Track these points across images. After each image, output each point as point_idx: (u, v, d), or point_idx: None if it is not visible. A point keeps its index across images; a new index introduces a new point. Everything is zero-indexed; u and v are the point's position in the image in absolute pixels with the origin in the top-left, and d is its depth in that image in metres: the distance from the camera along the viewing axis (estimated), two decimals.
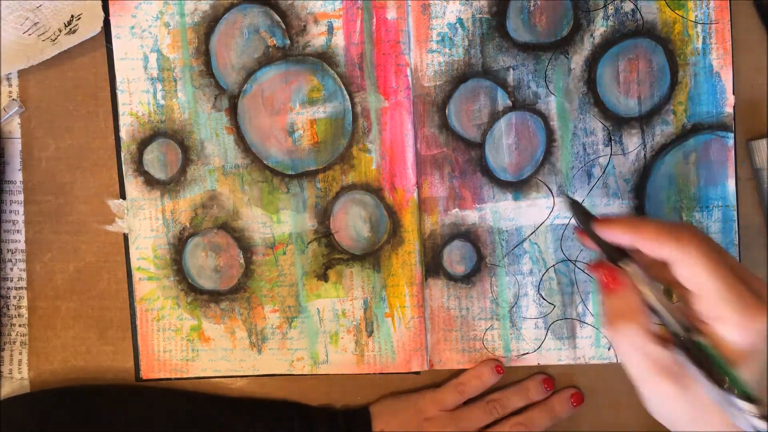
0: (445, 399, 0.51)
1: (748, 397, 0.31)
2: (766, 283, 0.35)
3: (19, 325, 0.54)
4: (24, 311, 0.54)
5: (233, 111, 0.52)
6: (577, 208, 0.39)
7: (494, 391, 0.52)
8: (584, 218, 0.38)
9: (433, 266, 0.52)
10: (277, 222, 0.52)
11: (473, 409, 0.51)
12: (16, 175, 0.54)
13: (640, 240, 0.35)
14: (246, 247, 0.53)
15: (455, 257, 0.52)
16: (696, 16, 0.51)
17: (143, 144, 0.53)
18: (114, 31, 0.52)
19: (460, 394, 0.51)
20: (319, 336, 0.53)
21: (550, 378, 0.52)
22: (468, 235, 0.52)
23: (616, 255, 0.36)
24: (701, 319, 0.34)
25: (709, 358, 0.32)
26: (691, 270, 0.34)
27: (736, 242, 0.51)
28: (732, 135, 0.51)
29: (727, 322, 0.33)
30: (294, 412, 0.52)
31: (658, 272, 0.36)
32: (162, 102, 0.52)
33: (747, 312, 0.32)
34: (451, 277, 0.52)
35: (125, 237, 0.53)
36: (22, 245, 0.54)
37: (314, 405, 0.53)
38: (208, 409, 0.52)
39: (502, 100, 0.51)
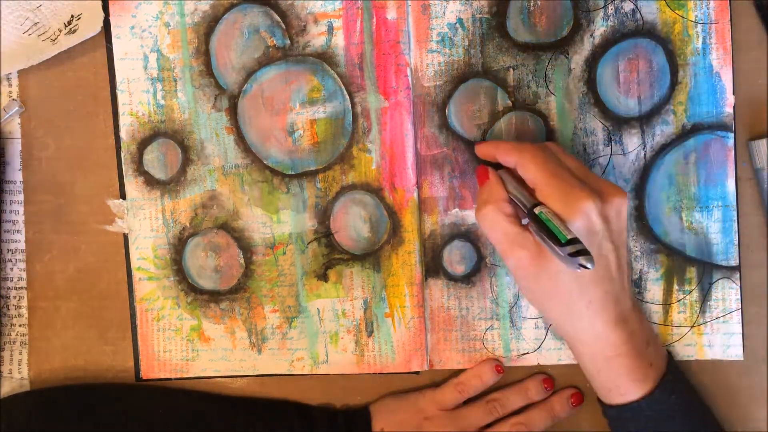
0: (444, 398, 0.51)
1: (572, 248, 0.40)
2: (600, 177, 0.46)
3: (19, 325, 0.54)
4: (24, 311, 0.54)
5: (233, 111, 0.52)
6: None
7: (494, 390, 0.52)
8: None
9: (433, 266, 0.52)
10: (277, 222, 0.52)
11: (473, 409, 0.51)
12: (16, 175, 0.54)
13: (498, 154, 0.46)
14: (246, 247, 0.53)
15: (455, 257, 0.52)
16: (696, 16, 0.51)
17: (143, 144, 0.53)
18: (114, 31, 0.52)
19: (459, 393, 0.51)
20: (319, 336, 0.53)
21: (550, 378, 0.52)
22: (468, 235, 0.52)
23: (494, 166, 0.47)
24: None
25: (546, 223, 0.41)
26: (526, 169, 0.44)
27: (736, 242, 0.51)
28: (732, 135, 0.51)
29: (553, 205, 0.42)
30: (294, 412, 0.52)
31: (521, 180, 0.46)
32: (162, 102, 0.52)
33: (568, 195, 0.42)
34: (451, 277, 0.52)
35: (125, 237, 0.53)
36: (22, 245, 0.54)
37: (314, 404, 0.53)
38: (208, 408, 0.52)
39: (502, 100, 0.51)
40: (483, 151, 0.49)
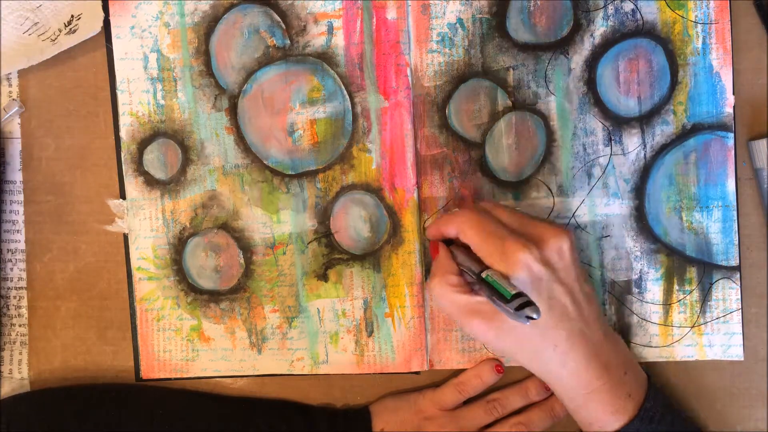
0: (444, 398, 0.51)
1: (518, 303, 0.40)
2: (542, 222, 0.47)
3: (19, 325, 0.54)
4: (24, 311, 0.54)
5: (233, 111, 0.52)
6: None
7: (494, 390, 0.52)
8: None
9: None
10: (277, 222, 0.52)
11: (473, 409, 0.51)
12: (16, 175, 0.54)
13: (440, 229, 0.47)
14: (246, 247, 0.53)
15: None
16: (696, 16, 0.51)
17: (143, 144, 0.53)
18: (114, 31, 0.52)
19: (459, 393, 0.51)
20: (319, 336, 0.53)
21: None
22: None
23: (446, 242, 0.48)
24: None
25: (492, 284, 0.42)
26: (465, 235, 0.45)
27: (736, 242, 0.51)
28: (732, 135, 0.51)
29: (493, 262, 0.43)
30: (294, 411, 0.52)
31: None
32: (162, 102, 0.52)
33: (503, 251, 0.43)
34: None
35: (125, 237, 0.53)
36: (22, 245, 0.54)
37: (314, 404, 0.53)
38: (208, 407, 0.52)
39: (502, 100, 0.51)
40: (430, 233, 0.50)
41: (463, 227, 0.45)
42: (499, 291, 0.41)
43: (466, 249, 0.46)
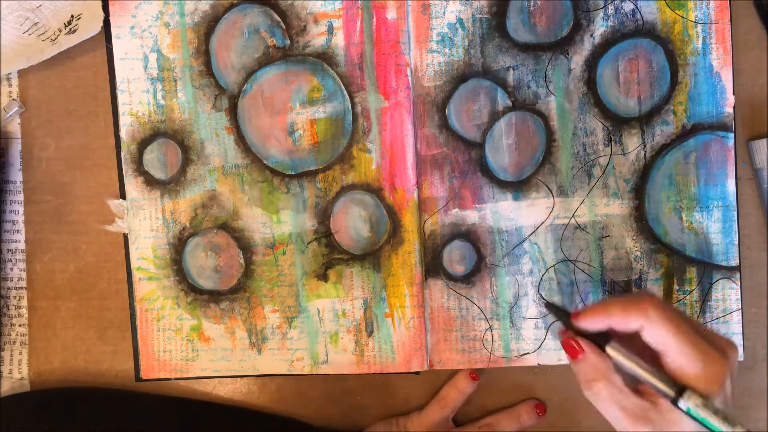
0: (431, 417, 0.51)
1: None
2: (727, 338, 0.40)
3: (19, 325, 0.54)
4: (24, 311, 0.54)
5: (233, 111, 0.52)
6: (553, 309, 0.44)
7: (487, 415, 0.52)
8: (563, 315, 0.43)
9: (433, 266, 0.52)
10: (277, 222, 0.52)
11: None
12: (16, 175, 0.54)
13: (612, 322, 0.40)
14: (246, 247, 0.53)
15: (455, 257, 0.52)
16: (696, 16, 0.51)
17: (143, 144, 0.53)
18: (114, 31, 0.52)
19: (443, 408, 0.51)
20: (319, 336, 0.53)
21: (542, 403, 0.52)
22: (468, 235, 0.52)
23: (599, 340, 0.41)
24: (673, 376, 0.38)
25: (701, 422, 0.37)
26: (656, 332, 0.38)
27: (736, 242, 0.51)
28: (732, 135, 0.51)
29: (691, 374, 0.38)
30: (294, 429, 0.52)
31: (634, 344, 0.40)
32: (162, 102, 0.52)
33: (707, 360, 0.37)
34: (451, 277, 0.52)
35: (125, 237, 0.53)
36: (22, 245, 0.54)
37: (315, 424, 0.53)
38: (207, 416, 0.52)
39: (502, 100, 0.51)
40: (587, 322, 0.41)
41: (657, 324, 0.38)
42: (709, 427, 0.36)
43: (630, 350, 0.40)
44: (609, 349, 0.40)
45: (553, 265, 0.52)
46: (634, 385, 0.40)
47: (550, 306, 0.45)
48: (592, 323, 0.41)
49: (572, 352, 0.41)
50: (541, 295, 0.51)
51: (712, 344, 0.38)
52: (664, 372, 0.39)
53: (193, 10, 0.52)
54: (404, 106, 0.51)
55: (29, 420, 0.50)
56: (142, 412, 0.52)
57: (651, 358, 0.39)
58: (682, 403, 0.37)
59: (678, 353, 0.38)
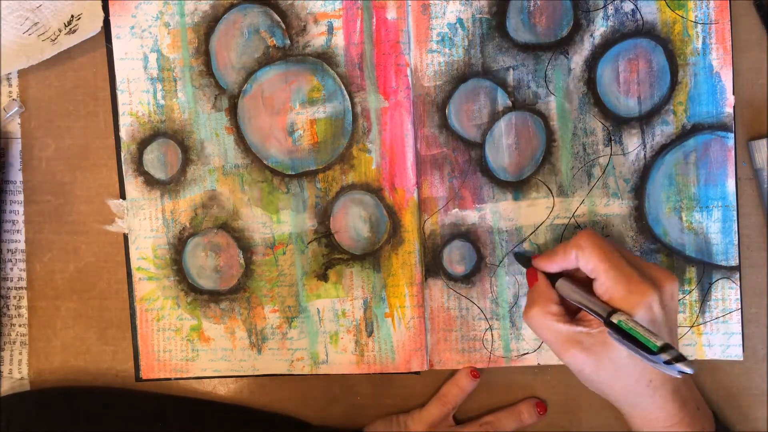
0: (432, 415, 0.51)
1: (667, 352, 0.39)
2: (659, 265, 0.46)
3: (19, 325, 0.54)
4: (24, 311, 0.54)
5: (233, 111, 0.52)
6: (520, 257, 0.51)
7: (488, 414, 0.52)
8: (526, 261, 0.50)
9: (433, 266, 0.52)
10: (277, 222, 0.52)
11: (466, 430, 0.51)
12: (16, 175, 0.54)
13: (559, 261, 0.46)
14: (246, 247, 0.53)
15: (455, 257, 0.52)
16: (696, 16, 0.51)
17: (143, 144, 0.53)
18: (114, 31, 0.52)
19: (443, 406, 0.51)
20: (319, 336, 0.53)
21: (543, 402, 0.52)
22: (468, 235, 0.52)
23: (553, 278, 0.46)
24: (604, 299, 0.43)
25: (630, 332, 0.40)
26: (587, 259, 0.44)
27: (736, 242, 0.51)
28: (732, 135, 0.51)
29: (617, 296, 0.42)
30: (292, 427, 0.52)
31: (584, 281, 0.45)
32: (162, 102, 0.52)
33: (631, 285, 0.42)
34: (451, 277, 0.52)
35: (125, 237, 0.53)
36: (22, 245, 0.54)
37: (313, 422, 0.53)
38: (206, 414, 0.52)
39: (502, 100, 0.51)
40: (542, 264, 0.47)
41: (587, 251, 0.44)
42: (641, 341, 0.40)
43: (578, 284, 0.45)
44: (557, 284, 0.46)
45: None
46: (577, 316, 0.44)
47: (518, 255, 0.51)
48: (547, 265, 0.46)
49: (530, 280, 0.48)
50: (514, 253, 0.52)
51: (644, 273, 0.43)
52: (598, 299, 0.43)
53: (193, 10, 0.52)
54: (404, 106, 0.51)
55: (29, 419, 0.50)
56: (142, 412, 0.52)
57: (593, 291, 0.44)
58: (614, 318, 0.41)
59: (606, 277, 0.43)
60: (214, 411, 0.53)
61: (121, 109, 0.52)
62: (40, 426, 0.49)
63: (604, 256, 0.43)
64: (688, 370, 0.38)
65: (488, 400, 0.53)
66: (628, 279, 0.42)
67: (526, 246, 0.52)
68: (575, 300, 0.44)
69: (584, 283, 0.45)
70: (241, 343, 0.53)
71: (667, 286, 0.43)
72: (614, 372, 0.43)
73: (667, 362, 0.38)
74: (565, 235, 0.52)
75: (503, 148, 0.52)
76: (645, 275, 0.43)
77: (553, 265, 0.46)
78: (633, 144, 0.51)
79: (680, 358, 0.39)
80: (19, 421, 0.50)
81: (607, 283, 0.43)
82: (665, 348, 0.39)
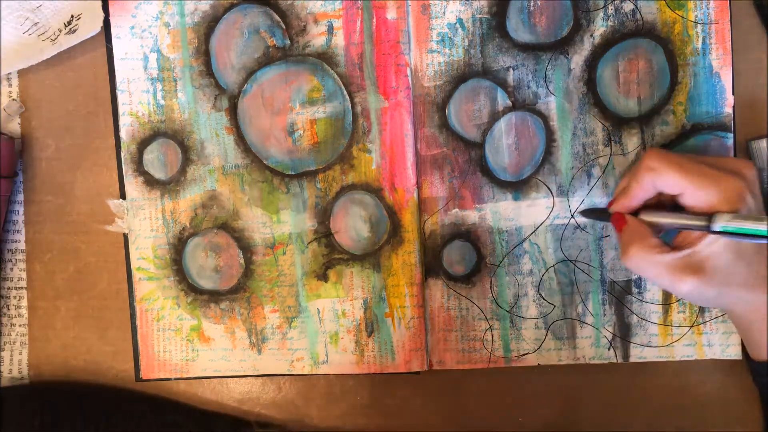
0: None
1: None
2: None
3: (19, 325, 0.54)
4: (24, 311, 0.54)
5: (233, 111, 0.52)
6: (592, 213, 0.50)
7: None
8: (602, 213, 0.48)
9: (433, 266, 0.52)
10: (277, 222, 0.52)
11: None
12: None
13: (637, 196, 0.44)
14: (246, 247, 0.53)
15: (455, 257, 0.52)
16: (696, 16, 0.51)
17: (143, 144, 0.53)
18: (114, 31, 0.52)
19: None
20: (319, 336, 0.53)
21: None
22: (468, 235, 0.52)
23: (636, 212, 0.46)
24: (699, 210, 0.42)
25: (738, 232, 0.40)
26: (666, 180, 0.42)
27: None
28: (732, 135, 0.51)
29: (712, 201, 0.41)
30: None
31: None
32: (162, 102, 0.52)
33: (720, 184, 0.41)
34: (451, 277, 0.52)
35: (125, 237, 0.53)
36: (22, 245, 0.54)
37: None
38: (205, 417, 0.52)
39: (502, 100, 0.51)
40: (623, 205, 0.46)
41: (662, 170, 0.42)
42: (748, 233, 0.39)
43: (663, 211, 0.44)
44: (642, 215, 0.44)
45: (553, 265, 0.52)
46: (674, 244, 0.43)
47: (588, 212, 0.50)
48: (628, 202, 0.45)
49: (618, 224, 0.45)
50: (581, 212, 0.51)
51: (724, 168, 0.42)
52: (691, 211, 0.42)
53: (193, 10, 0.52)
54: (404, 106, 0.51)
55: (29, 415, 0.50)
56: (142, 412, 0.52)
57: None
58: (716, 226, 0.40)
59: (693, 187, 0.41)
60: (214, 411, 0.53)
61: (121, 109, 0.52)
62: (39, 419, 0.49)
63: (681, 168, 0.42)
64: None
65: (488, 400, 0.53)
66: (715, 180, 0.41)
67: (526, 246, 0.52)
68: (669, 224, 0.43)
69: (666, 205, 0.44)
70: (241, 343, 0.53)
71: (748, 173, 0.42)
72: (725, 285, 0.42)
73: None
74: (565, 235, 0.52)
75: (503, 148, 0.52)
76: (726, 170, 0.42)
77: (634, 200, 0.45)
78: (633, 144, 0.51)
79: None
80: (19, 414, 0.50)
81: (697, 192, 0.41)
82: None
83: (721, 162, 0.43)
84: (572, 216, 0.51)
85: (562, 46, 0.51)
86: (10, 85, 0.53)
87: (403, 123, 0.51)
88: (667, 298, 0.52)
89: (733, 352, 0.51)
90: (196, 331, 0.53)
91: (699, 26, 0.50)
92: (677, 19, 0.51)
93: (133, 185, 0.53)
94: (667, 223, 0.43)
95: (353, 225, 0.52)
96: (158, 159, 0.53)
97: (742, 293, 0.43)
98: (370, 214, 0.52)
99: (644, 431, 0.52)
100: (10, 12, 0.51)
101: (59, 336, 0.54)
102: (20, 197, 0.54)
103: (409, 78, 0.51)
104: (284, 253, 0.52)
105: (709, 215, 0.41)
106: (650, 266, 0.43)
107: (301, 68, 0.52)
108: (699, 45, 0.51)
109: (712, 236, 0.41)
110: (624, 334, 0.52)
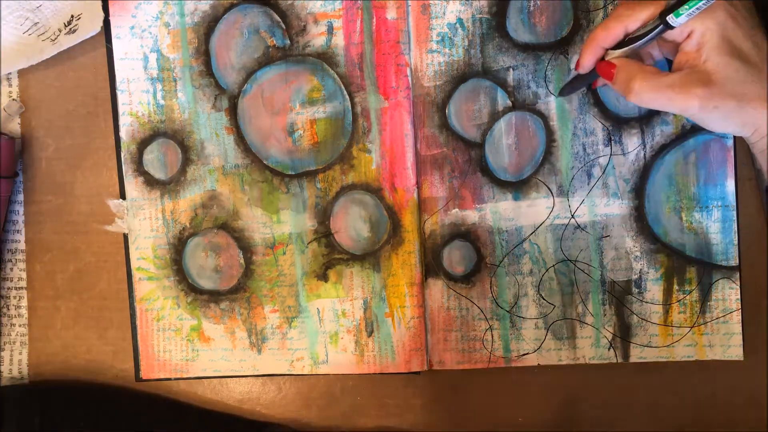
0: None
1: None
2: None
3: (19, 325, 0.54)
4: (24, 311, 0.54)
5: (233, 111, 0.52)
6: (569, 85, 0.50)
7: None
8: (579, 79, 0.49)
9: (433, 266, 0.52)
10: (277, 222, 0.52)
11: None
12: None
13: (605, 40, 0.45)
14: (246, 247, 0.53)
15: (455, 257, 0.52)
16: None
17: (143, 144, 0.53)
18: (114, 31, 0.52)
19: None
20: (319, 336, 0.53)
21: None
22: (468, 235, 0.52)
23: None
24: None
25: (692, 5, 0.41)
26: (636, 19, 0.43)
27: (736, 242, 0.51)
28: (731, 136, 0.51)
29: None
30: None
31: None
32: (162, 102, 0.52)
33: None
34: (451, 277, 0.52)
35: (125, 237, 0.53)
36: (22, 245, 0.54)
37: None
38: (205, 417, 0.52)
39: (502, 100, 0.51)
40: (600, 39, 0.45)
41: (631, 16, 0.44)
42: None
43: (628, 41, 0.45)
44: (624, 50, 0.45)
45: (553, 265, 0.52)
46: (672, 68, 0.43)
47: (565, 88, 0.50)
48: (606, 35, 0.45)
49: (607, 73, 0.45)
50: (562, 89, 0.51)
51: None
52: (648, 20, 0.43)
53: (193, 10, 0.52)
54: (404, 106, 0.51)
55: (29, 414, 0.50)
56: (142, 411, 0.52)
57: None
58: (670, 16, 0.41)
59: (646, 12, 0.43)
60: (214, 411, 0.53)
61: (121, 109, 0.53)
62: (38, 420, 0.50)
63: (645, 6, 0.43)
64: None
65: (488, 400, 0.53)
66: None
67: (526, 246, 0.52)
68: (639, 44, 0.44)
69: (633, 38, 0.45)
70: (241, 343, 0.53)
71: None
72: (743, 88, 0.42)
73: None
74: (565, 235, 0.52)
75: (503, 148, 0.52)
76: None
77: (608, 39, 0.45)
78: (633, 144, 0.51)
79: None
80: (19, 413, 0.50)
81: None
82: None
83: None
84: (572, 216, 0.52)
85: (562, 46, 0.51)
86: (10, 85, 0.53)
87: (403, 123, 0.51)
88: (667, 299, 0.52)
89: (734, 353, 0.51)
90: (196, 331, 0.53)
91: None
92: None
93: (133, 185, 0.53)
94: (638, 45, 0.44)
95: (353, 225, 0.52)
96: (158, 159, 0.53)
97: (763, 107, 0.42)
98: (370, 214, 0.52)
99: (644, 431, 0.52)
100: (10, 12, 0.51)
101: (59, 336, 0.54)
102: (20, 197, 0.54)
103: (409, 78, 0.51)
104: (284, 253, 0.52)
105: (662, 12, 0.42)
106: (658, 91, 0.43)
107: (301, 68, 0.52)
108: None
109: (708, 50, 0.42)
110: (624, 334, 0.52)
